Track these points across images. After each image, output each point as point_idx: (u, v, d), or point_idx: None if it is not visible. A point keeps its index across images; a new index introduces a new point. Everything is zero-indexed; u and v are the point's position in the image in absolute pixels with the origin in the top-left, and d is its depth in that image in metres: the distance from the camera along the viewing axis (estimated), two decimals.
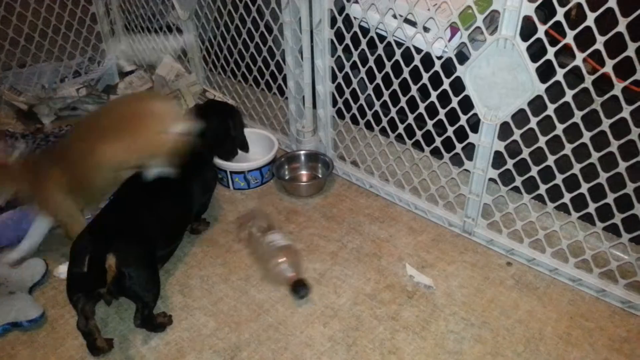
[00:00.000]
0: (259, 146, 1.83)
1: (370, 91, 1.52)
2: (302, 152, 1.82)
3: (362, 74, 1.51)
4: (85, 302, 1.13)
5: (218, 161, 1.71)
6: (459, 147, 1.39)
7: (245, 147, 1.66)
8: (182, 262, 1.43)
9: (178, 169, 1.33)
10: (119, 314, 1.27)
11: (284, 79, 1.75)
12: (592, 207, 1.23)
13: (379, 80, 1.48)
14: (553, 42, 1.12)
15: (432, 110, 1.39)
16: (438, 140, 1.44)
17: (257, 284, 1.36)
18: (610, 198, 1.19)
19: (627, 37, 1.00)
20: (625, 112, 1.06)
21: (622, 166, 1.13)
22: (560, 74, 1.12)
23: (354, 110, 1.62)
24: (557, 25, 1.08)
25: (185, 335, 1.22)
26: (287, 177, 1.79)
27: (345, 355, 1.17)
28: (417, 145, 1.51)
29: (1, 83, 2.19)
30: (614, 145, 1.11)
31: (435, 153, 1.48)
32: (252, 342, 1.20)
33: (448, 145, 1.42)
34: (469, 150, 1.37)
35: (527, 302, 1.28)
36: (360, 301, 1.30)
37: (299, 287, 1.31)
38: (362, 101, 1.57)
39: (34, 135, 1.88)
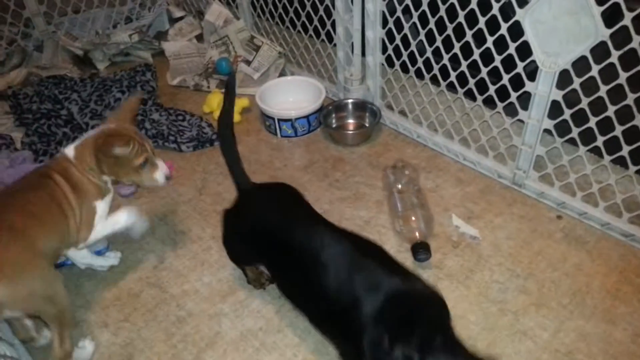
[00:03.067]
0: (307, 94, 1.83)
1: (422, 37, 1.48)
2: (350, 100, 1.80)
3: (415, 19, 1.47)
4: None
5: (264, 107, 1.72)
6: (514, 96, 1.34)
7: None
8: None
9: None
10: (175, 251, 1.35)
11: (333, 25, 1.72)
12: None
13: (432, 25, 1.43)
14: None
15: (487, 57, 1.34)
16: (492, 89, 1.39)
17: None
18: None
19: None
20: None
21: None
22: (628, 18, 1.05)
23: (404, 58, 1.58)
24: None
25: (236, 273, 1.28)
26: (334, 126, 1.79)
27: None
28: (469, 94, 1.47)
29: (58, 29, 2.25)
30: None
31: (488, 102, 1.44)
32: None
33: (502, 94, 1.37)
34: (524, 99, 1.33)
35: (575, 255, 1.26)
36: (404, 249, 1.32)
37: (419, 250, 1.25)
38: (413, 48, 1.53)
39: (92, 80, 1.94)
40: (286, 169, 1.61)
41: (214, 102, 1.87)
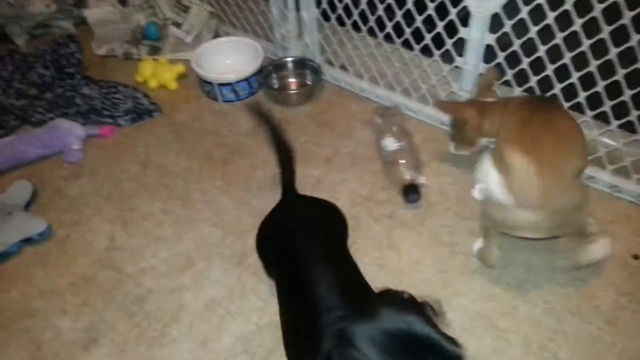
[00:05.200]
0: (245, 55, 1.78)
1: None
2: (289, 59, 1.77)
3: None
4: None
5: (201, 72, 1.67)
6: (449, 43, 1.36)
7: None
8: (180, 177, 1.45)
9: None
10: (125, 230, 1.32)
11: None
12: (582, 97, 1.24)
13: None
14: None
15: (420, 6, 1.35)
16: (428, 37, 1.40)
17: (257, 193, 1.39)
18: (600, 86, 1.20)
19: None
20: None
21: (613, 53, 1.12)
22: None
23: (340, 11, 1.56)
24: None
25: (192, 245, 1.27)
26: (275, 86, 1.76)
27: None
28: (406, 44, 1.47)
29: None
30: (605, 32, 1.10)
31: (425, 51, 1.45)
32: None
33: (438, 42, 1.39)
34: (459, 46, 1.35)
35: None
36: (357, 203, 1.35)
37: (410, 192, 1.31)
38: (347, 0, 1.51)
39: (11, 57, 1.80)
40: (232, 135, 1.58)
41: (147, 70, 1.78)
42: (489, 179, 1.07)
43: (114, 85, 1.76)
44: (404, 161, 1.36)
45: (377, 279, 1.17)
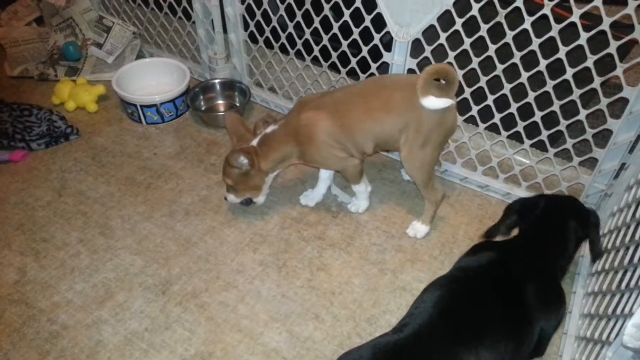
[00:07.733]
0: (170, 76, 1.74)
1: (282, 12, 1.47)
2: (217, 80, 1.75)
3: None
4: None
5: (123, 93, 1.60)
6: (374, 67, 1.40)
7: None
8: (99, 203, 1.37)
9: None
10: (38, 261, 1.22)
11: (189, 1, 1.64)
12: (497, 118, 1.31)
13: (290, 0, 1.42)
14: None
15: (346, 30, 1.38)
16: (354, 61, 1.43)
17: (182, 218, 1.34)
18: (513, 108, 1.27)
19: None
20: (527, 23, 1.11)
21: (524, 76, 1.20)
22: None
23: (267, 34, 1.56)
24: None
25: (111, 276, 1.20)
26: (203, 108, 1.73)
27: (276, 277, 1.21)
28: (333, 67, 1.50)
29: None
30: (516, 57, 1.17)
31: (352, 74, 1.48)
32: (183, 275, 1.20)
33: (363, 65, 1.42)
34: (383, 69, 1.39)
35: (440, 210, 1.37)
36: (287, 225, 1.33)
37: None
38: (274, 23, 1.52)
39: None
40: (157, 158, 1.52)
41: (64, 92, 1.69)
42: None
43: (28, 107, 1.65)
44: None
45: (308, 301, 1.16)
